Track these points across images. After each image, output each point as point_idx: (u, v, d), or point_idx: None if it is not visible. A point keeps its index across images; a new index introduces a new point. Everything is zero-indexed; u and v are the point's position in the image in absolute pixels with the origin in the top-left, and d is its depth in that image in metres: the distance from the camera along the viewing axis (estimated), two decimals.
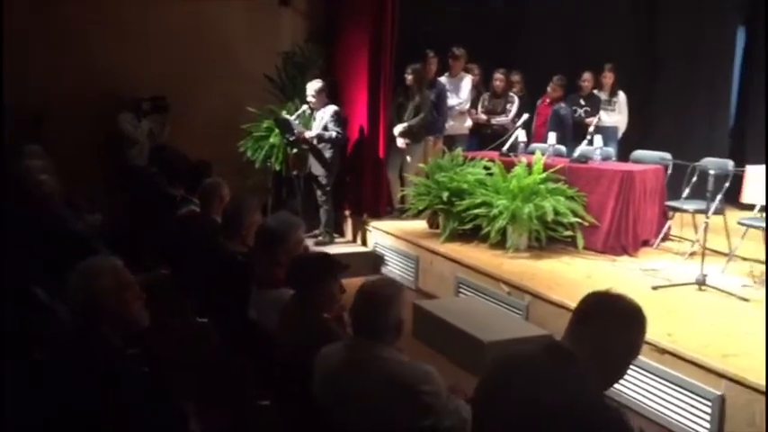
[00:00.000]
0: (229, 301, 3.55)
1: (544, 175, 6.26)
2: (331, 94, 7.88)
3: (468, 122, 8.15)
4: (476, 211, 6.24)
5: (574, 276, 5.52)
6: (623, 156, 7.66)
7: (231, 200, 4.19)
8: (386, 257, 7.07)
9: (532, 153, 6.75)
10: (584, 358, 2.00)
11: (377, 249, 7.23)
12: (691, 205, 6.24)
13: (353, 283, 6.68)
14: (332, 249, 7.12)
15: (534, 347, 2.11)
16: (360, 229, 7.61)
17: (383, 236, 7.17)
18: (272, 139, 7.48)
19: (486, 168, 6.64)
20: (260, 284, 3.32)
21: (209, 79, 7.86)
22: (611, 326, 2.05)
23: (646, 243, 6.49)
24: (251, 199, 4.03)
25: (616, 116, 8.28)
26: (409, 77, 7.40)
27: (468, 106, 8.08)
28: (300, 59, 7.91)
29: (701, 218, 5.73)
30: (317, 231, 7.36)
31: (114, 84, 7.29)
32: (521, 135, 7.07)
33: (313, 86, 7.04)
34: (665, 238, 6.58)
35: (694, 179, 6.22)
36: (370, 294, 2.49)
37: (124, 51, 7.38)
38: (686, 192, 6.35)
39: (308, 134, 6.97)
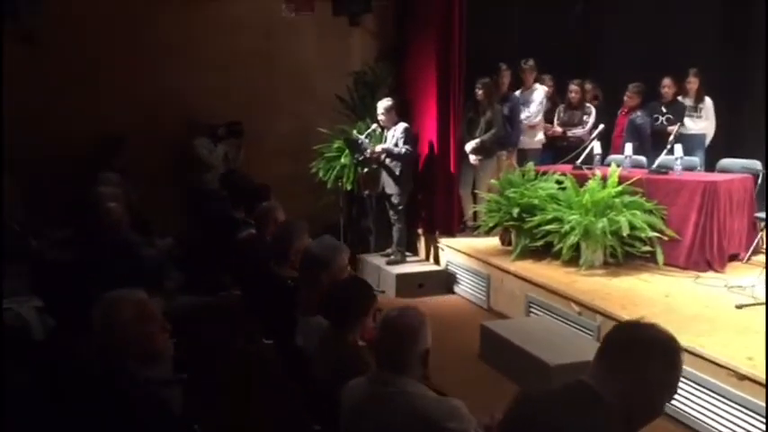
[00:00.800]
0: (280, 326, 3.54)
1: (620, 188, 5.98)
2: (401, 111, 7.85)
3: (540, 136, 7.89)
4: (547, 227, 6.03)
5: (650, 295, 5.22)
6: (712, 164, 7.23)
7: (281, 223, 4.19)
8: (458, 276, 6.93)
9: (609, 165, 6.49)
10: (611, 396, 1.83)
11: (449, 268, 7.11)
12: None
13: (426, 303, 6.63)
14: (404, 268, 7.08)
15: (560, 386, 1.96)
16: (432, 247, 7.50)
17: (455, 254, 7.04)
18: (342, 160, 7.50)
19: (559, 183, 6.41)
20: (304, 310, 3.28)
21: (281, 101, 7.99)
22: (640, 359, 1.87)
23: (735, 257, 6.09)
24: (300, 222, 4.00)
25: (703, 123, 7.82)
26: (479, 92, 7.28)
27: (537, 119, 7.81)
28: (371, 78, 7.93)
29: None
30: (389, 250, 7.33)
31: (188, 108, 7.50)
32: (596, 147, 6.79)
33: (383, 104, 7.03)
34: (756, 252, 6.14)
35: None
36: (394, 326, 2.39)
37: (198, 76, 7.57)
38: None
39: (377, 148, 6.97)
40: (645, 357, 1.87)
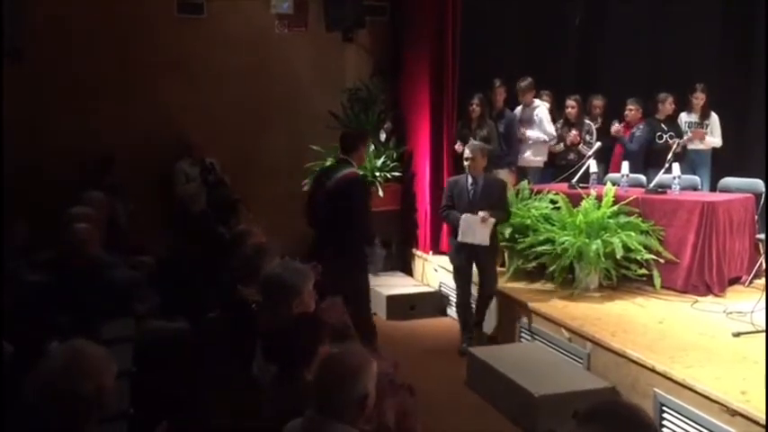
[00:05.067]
0: (239, 353, 3.36)
1: (614, 208, 5.77)
2: (396, 128, 7.71)
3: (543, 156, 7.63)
4: (540, 248, 5.82)
5: (644, 321, 4.99)
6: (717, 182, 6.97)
7: (251, 244, 4.01)
8: (450, 298, 6.72)
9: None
10: None
11: (442, 289, 6.90)
12: None
13: (417, 325, 6.37)
14: (397, 290, 6.88)
15: None
16: (425, 267, 7.30)
17: (447, 275, 6.82)
18: None
19: (553, 202, 6.20)
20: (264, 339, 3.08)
21: (275, 118, 7.89)
22: None
23: (737, 281, 5.84)
24: (270, 245, 3.83)
25: (709, 139, 7.59)
26: (475, 107, 7.05)
27: (553, 142, 7.52)
28: (365, 95, 7.78)
29: None
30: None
31: (180, 125, 7.42)
32: (592, 165, 6.56)
33: (477, 147, 5.82)
34: (758, 275, 5.88)
35: None
36: (333, 365, 2.19)
37: (190, 93, 7.50)
38: None
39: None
40: None
